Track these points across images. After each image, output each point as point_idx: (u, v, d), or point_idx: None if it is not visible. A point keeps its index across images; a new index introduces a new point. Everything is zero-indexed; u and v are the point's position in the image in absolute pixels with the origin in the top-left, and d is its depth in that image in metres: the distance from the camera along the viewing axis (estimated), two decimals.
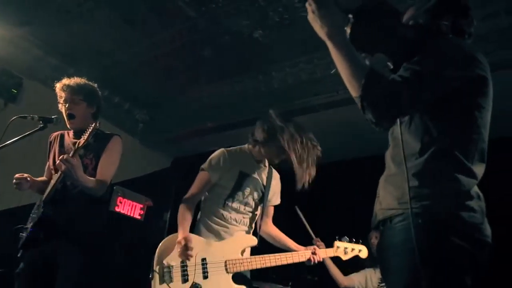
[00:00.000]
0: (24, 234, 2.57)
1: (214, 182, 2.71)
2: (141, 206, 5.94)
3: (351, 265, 3.56)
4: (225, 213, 2.70)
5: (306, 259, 2.83)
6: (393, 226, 1.45)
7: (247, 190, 2.76)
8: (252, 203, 2.80)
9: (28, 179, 2.66)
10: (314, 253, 2.85)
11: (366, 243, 3.29)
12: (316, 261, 2.85)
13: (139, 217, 5.87)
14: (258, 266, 2.68)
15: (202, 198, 2.79)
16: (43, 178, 2.91)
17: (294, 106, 4.75)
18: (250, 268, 2.68)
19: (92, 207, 2.67)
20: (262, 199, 2.84)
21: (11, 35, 4.51)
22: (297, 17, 3.90)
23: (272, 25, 4.05)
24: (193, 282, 2.49)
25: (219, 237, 2.67)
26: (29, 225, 2.59)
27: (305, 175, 2.59)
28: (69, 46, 4.77)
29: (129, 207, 5.77)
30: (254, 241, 2.76)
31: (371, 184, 1.76)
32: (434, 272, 1.33)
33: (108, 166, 2.72)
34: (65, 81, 2.86)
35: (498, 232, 1.54)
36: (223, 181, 2.71)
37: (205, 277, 2.52)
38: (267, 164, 2.90)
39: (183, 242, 2.45)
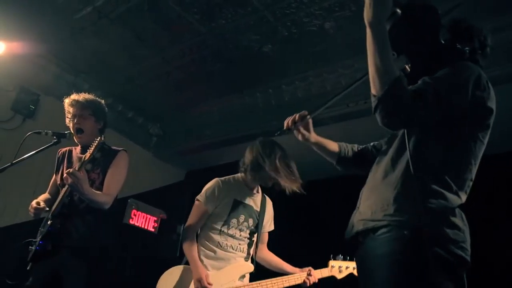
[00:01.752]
0: (33, 248, 2.63)
1: (210, 212, 2.79)
2: (155, 219, 6.01)
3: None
4: (221, 240, 2.76)
5: (302, 281, 2.86)
6: (376, 238, 1.45)
7: (242, 217, 2.84)
8: (247, 230, 2.87)
9: (46, 208, 2.74)
10: (309, 275, 2.88)
11: None
12: (311, 283, 2.88)
13: (153, 230, 5.93)
14: None
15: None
16: (46, 195, 2.99)
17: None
18: None
19: (98, 221, 2.72)
20: (257, 226, 2.91)
21: (29, 53, 4.65)
22: (306, 31, 3.95)
23: (281, 39, 4.11)
24: None
25: (218, 263, 2.73)
26: (38, 238, 2.66)
27: (296, 184, 2.72)
28: (84, 63, 4.90)
29: (143, 220, 5.84)
30: (250, 267, 2.83)
31: None
32: (418, 283, 1.33)
33: (115, 180, 2.77)
34: (74, 96, 2.94)
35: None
36: (218, 210, 2.79)
37: None
38: (260, 191, 2.99)
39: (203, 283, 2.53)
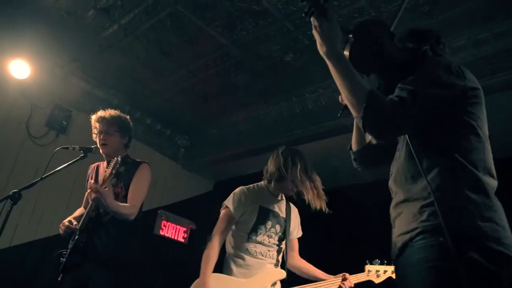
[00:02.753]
0: (64, 259, 2.74)
1: (237, 219, 2.79)
2: (185, 229, 6.10)
3: None
4: (250, 247, 2.76)
5: (337, 286, 2.84)
6: (413, 244, 1.42)
7: (269, 224, 2.83)
8: (276, 236, 2.85)
9: (72, 226, 2.81)
10: (344, 279, 2.85)
11: None
12: None
13: (183, 240, 6.02)
14: None
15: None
16: (82, 209, 3.09)
17: (329, 126, 4.76)
18: None
19: (122, 233, 2.80)
20: (285, 232, 2.89)
21: (62, 72, 4.87)
22: None
23: (302, 48, 4.14)
24: None
25: (248, 271, 2.72)
26: (68, 251, 2.76)
27: (320, 201, 2.73)
28: (112, 79, 5.07)
29: (173, 231, 5.94)
30: (282, 274, 2.80)
31: None
32: None
33: (137, 192, 2.84)
34: (100, 113, 3.05)
35: None
36: (245, 217, 2.79)
37: None
38: (284, 198, 2.98)
39: None
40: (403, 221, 1.50)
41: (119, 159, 2.62)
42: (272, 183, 2.86)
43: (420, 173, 1.45)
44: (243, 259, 2.74)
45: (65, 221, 2.84)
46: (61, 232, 2.82)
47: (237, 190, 2.89)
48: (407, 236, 1.45)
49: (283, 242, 2.90)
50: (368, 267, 3.00)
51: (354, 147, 1.95)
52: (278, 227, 2.86)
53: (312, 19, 1.53)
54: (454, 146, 1.45)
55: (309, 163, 2.81)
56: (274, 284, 2.76)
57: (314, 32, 1.54)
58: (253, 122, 5.44)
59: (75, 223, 2.83)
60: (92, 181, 2.60)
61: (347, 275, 2.88)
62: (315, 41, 4.37)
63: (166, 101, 5.37)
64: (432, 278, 1.32)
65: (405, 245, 1.46)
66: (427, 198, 1.42)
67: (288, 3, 3.61)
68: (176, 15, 3.89)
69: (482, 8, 3.34)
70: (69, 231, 2.81)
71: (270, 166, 2.87)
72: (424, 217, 1.40)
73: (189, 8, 3.79)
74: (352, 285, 2.87)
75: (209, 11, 3.80)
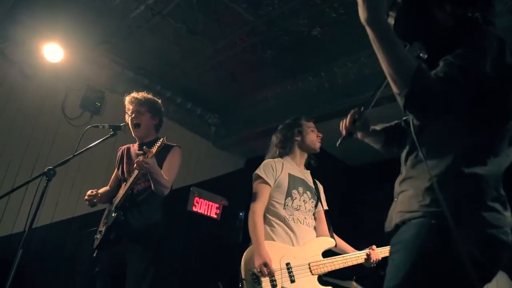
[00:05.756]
0: (98, 237, 2.86)
1: (272, 187, 2.83)
2: (217, 205, 6.21)
3: None
4: (287, 215, 2.79)
5: (364, 258, 2.88)
6: (408, 223, 1.38)
7: (300, 189, 2.90)
8: (310, 201, 2.91)
9: (99, 195, 2.96)
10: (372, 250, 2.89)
11: None
12: (373, 260, 2.86)
13: (215, 216, 6.14)
14: (341, 266, 2.77)
15: None
16: (107, 188, 3.19)
17: (359, 100, 4.68)
18: (333, 268, 2.74)
19: (153, 212, 2.90)
20: (317, 199, 2.96)
21: (93, 54, 4.98)
22: (354, 11, 3.84)
23: (329, 21, 4.06)
24: (282, 287, 2.53)
25: (288, 239, 2.73)
26: (103, 228, 2.88)
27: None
28: (142, 60, 5.15)
29: (206, 207, 6.07)
30: (332, 243, 2.85)
31: None
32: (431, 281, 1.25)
33: (169, 173, 2.90)
34: (133, 94, 3.16)
35: None
36: (277, 183, 2.84)
37: (292, 281, 2.57)
38: (308, 172, 3.09)
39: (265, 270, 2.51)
40: (405, 199, 1.45)
41: (165, 139, 2.69)
42: (288, 151, 3.02)
43: (434, 156, 1.39)
44: (281, 226, 2.76)
45: (88, 192, 2.98)
46: (87, 202, 2.96)
47: (265, 161, 2.98)
48: (407, 216, 1.40)
49: (317, 209, 2.98)
50: None
51: (378, 144, 1.87)
52: (309, 193, 2.94)
53: None
54: (480, 135, 1.35)
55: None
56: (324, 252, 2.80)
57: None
58: (282, 98, 5.42)
59: (95, 191, 2.98)
60: (141, 158, 2.66)
61: (374, 247, 2.90)
62: (342, 14, 4.26)
63: (195, 79, 5.42)
64: (414, 257, 1.29)
65: (402, 223, 1.41)
66: (434, 182, 1.34)
67: None
68: None
69: None
70: (93, 199, 2.95)
71: (279, 137, 3.12)
72: (427, 201, 1.35)
73: None
74: (379, 258, 2.87)
75: None
